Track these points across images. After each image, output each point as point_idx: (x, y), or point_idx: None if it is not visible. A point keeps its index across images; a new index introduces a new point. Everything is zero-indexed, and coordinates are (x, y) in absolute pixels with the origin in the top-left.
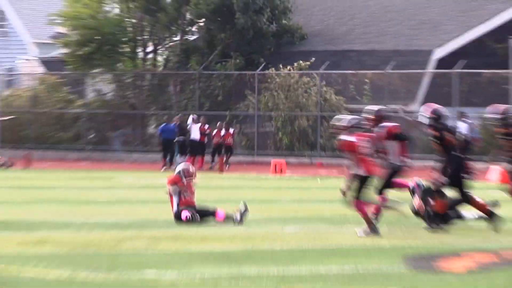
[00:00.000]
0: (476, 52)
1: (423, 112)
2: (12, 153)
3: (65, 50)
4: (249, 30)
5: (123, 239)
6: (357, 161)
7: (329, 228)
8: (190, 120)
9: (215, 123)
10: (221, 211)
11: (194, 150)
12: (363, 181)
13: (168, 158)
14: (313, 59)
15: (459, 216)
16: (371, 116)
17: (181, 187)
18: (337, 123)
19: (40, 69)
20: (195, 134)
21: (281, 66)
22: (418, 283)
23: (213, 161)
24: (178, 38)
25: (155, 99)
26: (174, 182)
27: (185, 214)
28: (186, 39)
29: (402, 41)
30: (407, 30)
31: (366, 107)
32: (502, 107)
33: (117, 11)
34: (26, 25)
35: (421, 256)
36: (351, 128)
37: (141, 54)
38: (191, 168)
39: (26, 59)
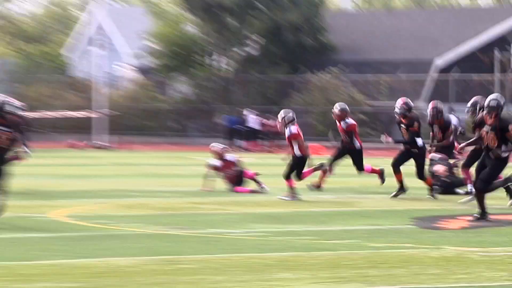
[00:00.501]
0: (468, 61)
1: (397, 104)
2: (116, 138)
3: (153, 59)
4: (294, 44)
5: (197, 204)
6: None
7: (356, 196)
8: (247, 112)
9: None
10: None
11: (251, 135)
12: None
13: (231, 142)
14: (341, 65)
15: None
16: (337, 112)
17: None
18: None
19: (135, 74)
20: (252, 123)
21: (317, 71)
22: (422, 237)
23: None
24: (238, 49)
25: (221, 96)
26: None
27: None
28: (245, 50)
29: (409, 52)
30: (413, 44)
31: (337, 103)
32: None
33: (190, 29)
34: (124, 38)
35: (426, 218)
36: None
37: (209, 61)
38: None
39: (125, 67)
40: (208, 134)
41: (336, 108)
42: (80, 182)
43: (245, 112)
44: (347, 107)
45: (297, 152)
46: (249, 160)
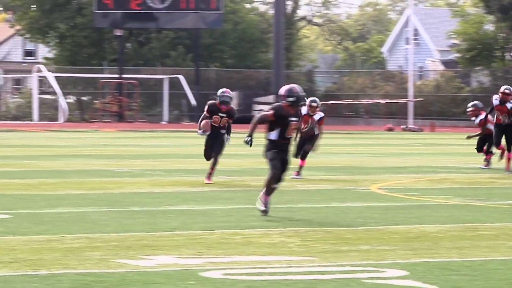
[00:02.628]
0: None
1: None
2: (421, 122)
3: (457, 54)
4: None
5: (495, 179)
6: None
7: None
8: None
9: None
10: None
11: None
12: None
13: None
14: None
15: None
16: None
17: None
18: None
19: (441, 67)
20: None
21: None
22: None
23: None
24: None
25: None
26: None
27: None
28: None
29: None
30: None
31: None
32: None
33: (489, 27)
34: (431, 37)
35: None
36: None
37: (508, 56)
38: None
39: (431, 61)
40: None
41: None
42: (394, 160)
43: None
44: None
45: None
46: None
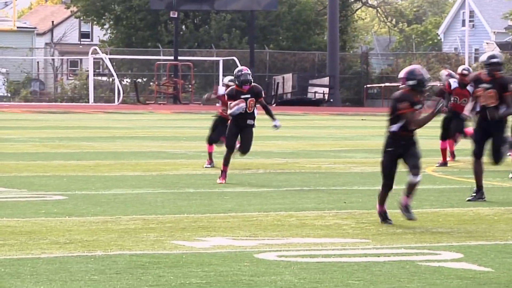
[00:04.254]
0: None
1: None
2: None
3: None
4: None
5: None
6: None
7: None
8: None
9: None
10: None
11: None
12: None
13: None
14: None
15: None
16: None
17: None
18: None
19: (497, 49)
20: None
21: None
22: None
23: None
24: None
25: None
26: None
27: None
28: None
29: None
30: None
31: None
32: None
33: None
34: (487, 19)
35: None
36: None
37: None
38: None
39: (487, 43)
40: None
41: None
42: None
43: None
44: None
45: None
46: None
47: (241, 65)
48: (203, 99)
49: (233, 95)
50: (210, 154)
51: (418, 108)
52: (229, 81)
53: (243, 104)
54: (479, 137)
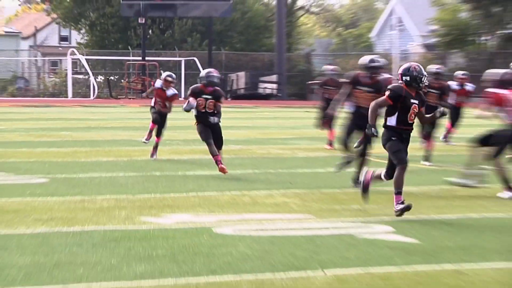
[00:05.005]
0: None
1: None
2: None
3: (436, 39)
4: None
5: None
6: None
7: None
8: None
9: None
10: None
11: None
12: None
13: None
14: None
15: None
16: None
17: None
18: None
19: (422, 50)
20: None
21: None
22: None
23: None
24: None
25: (486, 66)
26: None
27: None
28: (506, 31)
29: None
30: None
31: None
32: None
33: (464, 15)
34: (416, 23)
35: None
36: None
37: (478, 40)
38: None
39: (411, 44)
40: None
41: None
42: None
43: None
44: None
45: None
46: None
47: (202, 65)
48: (143, 95)
49: (196, 93)
50: (151, 131)
51: (415, 103)
52: (167, 76)
53: (194, 103)
54: (350, 130)
